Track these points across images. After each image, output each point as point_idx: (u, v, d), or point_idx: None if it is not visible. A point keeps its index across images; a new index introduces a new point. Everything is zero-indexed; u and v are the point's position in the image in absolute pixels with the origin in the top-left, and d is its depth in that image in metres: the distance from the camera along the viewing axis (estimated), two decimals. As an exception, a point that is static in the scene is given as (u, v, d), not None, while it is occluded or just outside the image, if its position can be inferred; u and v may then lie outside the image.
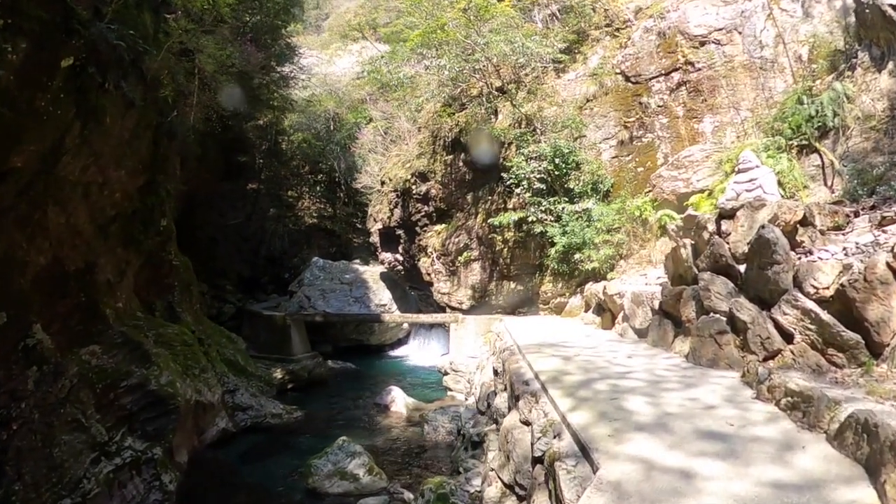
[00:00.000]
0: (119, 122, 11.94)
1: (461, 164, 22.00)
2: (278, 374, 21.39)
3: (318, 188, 33.10)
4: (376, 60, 24.70)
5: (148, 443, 11.77)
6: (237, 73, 23.99)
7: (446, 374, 20.05)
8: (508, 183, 18.25)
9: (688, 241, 10.34)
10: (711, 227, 9.67)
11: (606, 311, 14.03)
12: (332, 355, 26.53)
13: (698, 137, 17.15)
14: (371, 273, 28.76)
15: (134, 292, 16.30)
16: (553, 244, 17.13)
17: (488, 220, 19.36)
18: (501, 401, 10.74)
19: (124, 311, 14.43)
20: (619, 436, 5.33)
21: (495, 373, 13.16)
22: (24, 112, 8.57)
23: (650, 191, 17.01)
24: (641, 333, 11.68)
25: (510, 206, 19.53)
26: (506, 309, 20.82)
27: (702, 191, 15.58)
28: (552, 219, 17.61)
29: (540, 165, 17.47)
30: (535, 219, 17.64)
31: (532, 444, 6.80)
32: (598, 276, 16.90)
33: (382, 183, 26.03)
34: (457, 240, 22.12)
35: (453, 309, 22.40)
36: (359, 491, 11.66)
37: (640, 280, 14.62)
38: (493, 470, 8.48)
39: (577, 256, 16.71)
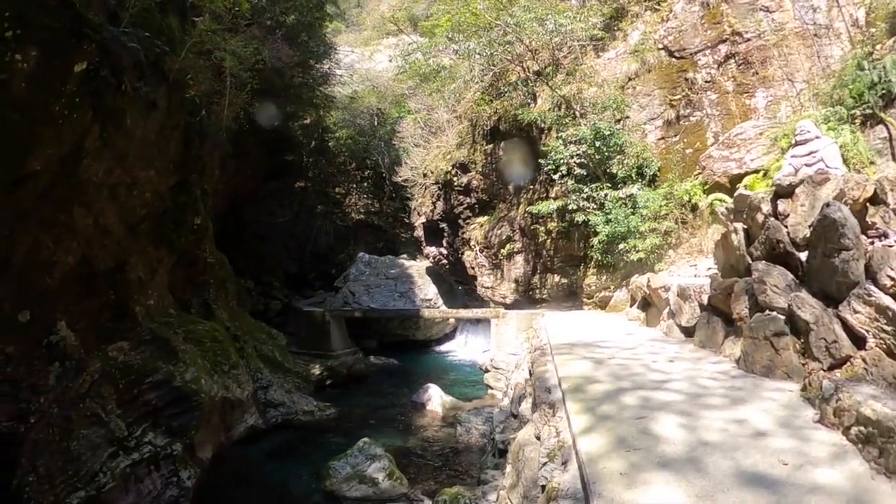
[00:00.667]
0: (141, 124, 11.88)
1: (501, 152, 20.69)
2: (316, 370, 20.67)
3: (364, 184, 32.37)
4: (410, 50, 23.59)
5: (169, 438, 11.57)
6: (274, 72, 23.39)
7: (487, 371, 18.85)
8: (546, 169, 16.85)
9: (740, 226, 8.81)
10: (766, 207, 8.14)
11: (651, 307, 12.52)
12: (377, 351, 25.70)
13: (750, 113, 15.38)
14: (417, 268, 27.77)
15: (169, 290, 16.21)
16: (596, 234, 15.64)
17: (530, 210, 17.95)
18: (526, 406, 9.49)
19: (155, 309, 14.36)
20: (635, 475, 4.04)
21: (530, 373, 11.88)
22: (39, 118, 8.68)
23: (700, 173, 15.32)
24: (688, 332, 10.18)
25: (552, 194, 18.11)
26: (550, 304, 19.43)
27: (756, 171, 13.89)
28: (595, 207, 16.13)
29: (579, 149, 15.99)
30: (575, 207, 16.20)
31: (539, 467, 5.56)
32: (644, 267, 15.34)
33: (424, 175, 24.96)
34: (499, 232, 20.84)
35: (496, 304, 21.15)
36: (377, 496, 10.82)
37: (690, 271, 13.04)
38: (504, 488, 7.25)
39: (621, 247, 15.19)
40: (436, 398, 17.16)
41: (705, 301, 9.66)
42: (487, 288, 21.59)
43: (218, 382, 13.94)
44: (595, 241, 15.71)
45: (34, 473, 9.13)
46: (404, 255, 29.39)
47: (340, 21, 36.38)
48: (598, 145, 15.86)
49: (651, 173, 16.12)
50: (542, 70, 18.46)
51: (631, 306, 14.56)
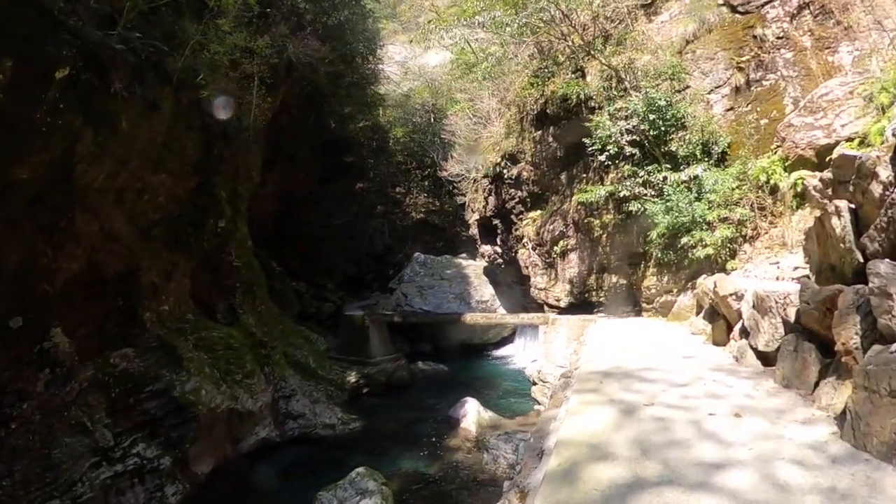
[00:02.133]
0: (143, 126, 11.33)
1: (550, 139, 17.61)
2: (352, 377, 18.50)
3: (425, 182, 29.94)
4: (454, 40, 20.92)
5: (161, 451, 10.97)
6: (310, 68, 21.38)
7: (535, 384, 15.86)
8: (591, 149, 13.67)
9: (844, 204, 5.57)
10: (887, 172, 4.87)
11: (719, 318, 9.23)
12: (430, 356, 23.18)
13: (835, 72, 11.92)
14: (474, 268, 25.02)
15: (191, 295, 15.44)
16: (655, 225, 12.37)
17: (577, 199, 14.82)
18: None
19: (170, 314, 13.66)
20: None
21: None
22: (21, 127, 8.49)
23: (778, 147, 11.81)
24: (766, 359, 6.95)
25: (607, 181, 14.92)
26: (608, 308, 16.19)
27: (850, 139, 10.31)
28: (652, 193, 12.84)
29: (630, 124, 12.73)
30: (627, 193, 12.96)
31: None
32: (714, 265, 11.97)
33: (476, 170, 22.16)
34: (552, 227, 17.75)
35: (550, 307, 18.08)
36: (357, 539, 8.34)
37: (770, 271, 9.64)
38: None
39: (684, 240, 11.87)
40: (471, 414, 14.43)
41: (791, 317, 6.44)
42: (541, 289, 18.53)
43: (225, 393, 13.04)
44: (653, 233, 12.43)
45: (9, 478, 8.77)
46: (463, 255, 26.74)
47: (394, 20, 34.11)
48: (652, 119, 12.56)
49: (719, 151, 12.67)
50: (588, 42, 15.20)
51: (696, 315, 11.25)
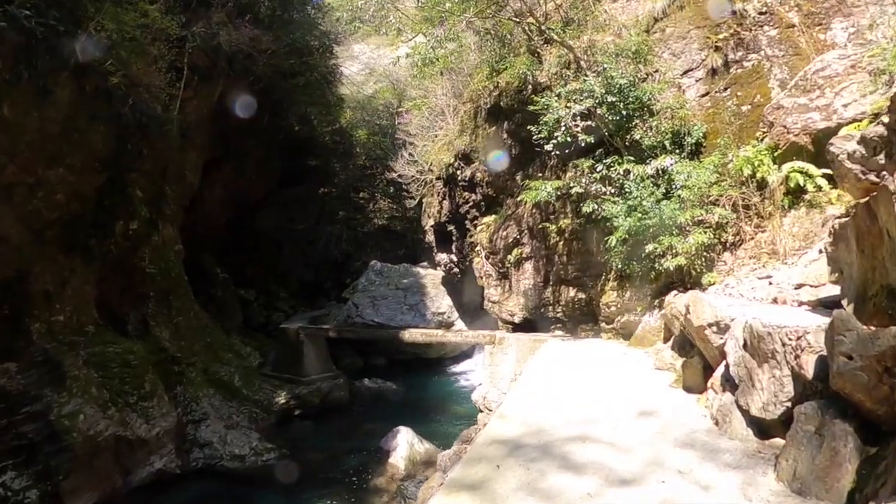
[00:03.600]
0: (32, 114, 9.81)
1: (505, 134, 14.83)
2: (282, 398, 15.48)
3: (390, 188, 27.08)
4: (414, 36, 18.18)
5: (31, 482, 9.30)
6: (249, 59, 18.66)
7: (481, 411, 12.94)
8: (536, 137, 10.89)
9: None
10: None
11: (693, 352, 6.41)
12: (386, 370, 20.31)
13: (827, 51, 9.26)
14: (432, 277, 22.11)
15: (99, 303, 13.41)
16: (615, 229, 9.59)
17: (522, 197, 12.04)
18: None
19: (65, 325, 11.81)
20: None
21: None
22: None
23: (765, 134, 9.15)
24: (765, 430, 4.15)
25: (564, 181, 12.14)
26: (566, 325, 13.41)
27: (855, 121, 7.71)
28: (612, 191, 10.05)
29: (584, 105, 9.94)
30: (581, 189, 10.20)
31: None
32: (686, 279, 9.21)
33: (429, 170, 19.34)
34: (505, 233, 14.93)
35: (504, 322, 15.23)
36: None
37: (762, 288, 6.87)
38: None
39: (650, 248, 9.09)
40: (402, 448, 11.65)
41: (810, 370, 3.65)
42: (494, 303, 15.67)
43: (112, 417, 11.06)
44: (612, 239, 9.61)
45: None
46: (424, 263, 23.83)
47: (368, 25, 31.38)
48: (611, 102, 9.78)
49: (693, 141, 9.94)
50: (543, 25, 12.42)
51: (665, 342, 8.47)
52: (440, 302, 21.07)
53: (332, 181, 28.62)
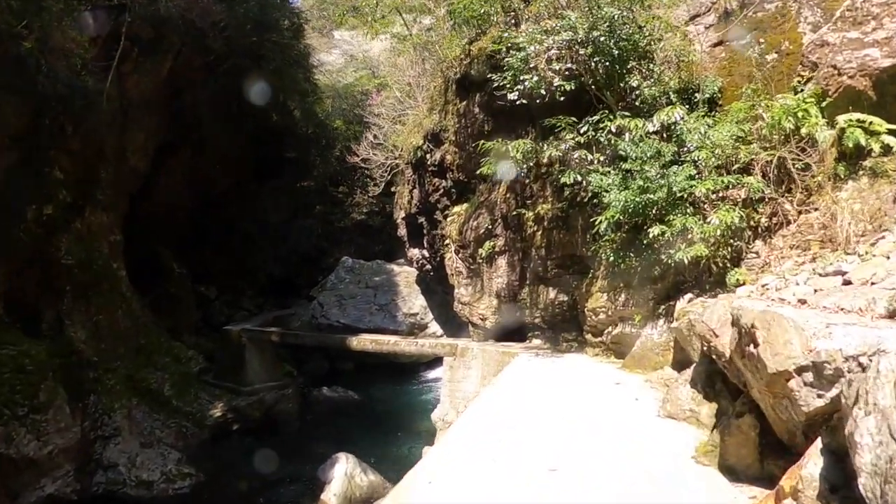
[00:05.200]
0: None
1: (476, 108, 11.81)
2: (218, 411, 12.50)
3: (368, 181, 24.09)
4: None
5: None
6: (202, 35, 15.79)
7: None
8: (497, 86, 7.87)
9: None
10: None
11: (736, 407, 3.30)
12: (351, 376, 17.34)
13: None
14: (406, 275, 19.10)
15: (8, 298, 11.33)
16: (605, 208, 6.51)
17: (484, 170, 9.03)
18: None
19: None
20: None
21: None
22: None
23: (807, 78, 6.13)
24: None
25: (544, 155, 9.13)
26: (546, 333, 10.44)
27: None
28: (602, 159, 7.01)
29: (562, 40, 6.88)
30: (557, 153, 7.18)
31: None
32: (704, 277, 6.16)
33: (399, 156, 16.30)
34: (475, 223, 11.94)
35: (476, 327, 12.20)
36: None
37: (835, 292, 3.78)
38: None
39: (654, 232, 6.04)
40: (338, 480, 8.90)
41: None
42: (464, 304, 12.63)
43: None
44: (602, 221, 6.54)
45: None
46: (400, 260, 20.88)
47: (355, 16, 28.32)
48: (598, 39, 6.72)
49: (706, 97, 6.89)
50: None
51: (676, 366, 5.41)
52: (413, 302, 18.07)
53: (312, 174, 25.64)
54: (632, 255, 6.59)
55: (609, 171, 6.76)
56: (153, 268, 18.37)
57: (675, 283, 6.45)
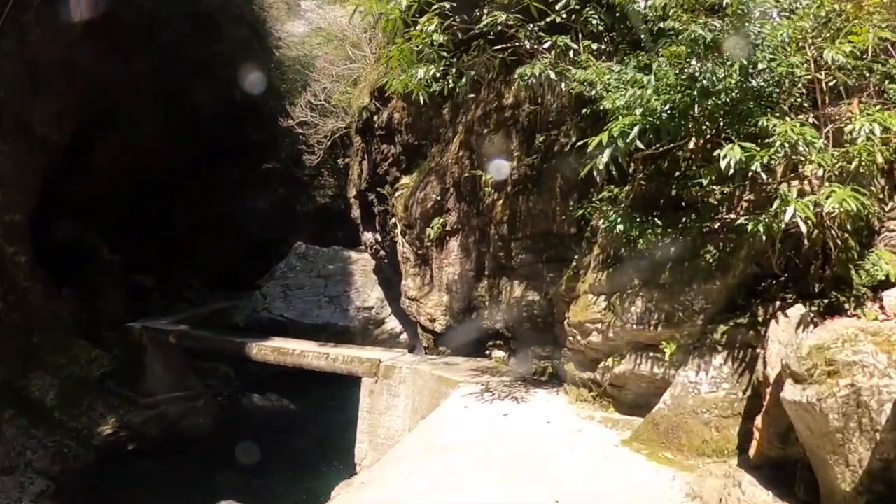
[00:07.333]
0: None
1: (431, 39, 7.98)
2: (108, 427, 8.88)
3: (337, 162, 20.40)
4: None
5: None
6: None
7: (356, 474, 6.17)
8: None
9: None
10: None
11: None
12: (296, 380, 13.61)
13: None
14: (364, 263, 15.40)
15: None
16: (614, 121, 2.73)
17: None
18: None
19: None
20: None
21: None
22: None
23: None
24: None
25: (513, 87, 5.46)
26: (510, 345, 6.85)
27: None
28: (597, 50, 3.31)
29: None
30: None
31: None
32: (815, 266, 2.43)
33: (347, 119, 12.57)
34: (423, 194, 8.33)
35: (425, 331, 8.59)
36: None
37: None
38: None
39: (730, 158, 2.30)
40: None
41: None
42: (412, 300, 9.00)
43: None
44: (600, 157, 2.83)
45: None
46: (362, 247, 17.27)
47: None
48: None
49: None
50: None
51: (758, 458, 1.72)
52: (368, 294, 14.43)
53: (279, 156, 21.83)
54: (659, 221, 2.98)
55: (612, 66, 3.11)
56: (74, 254, 14.70)
57: (747, 280, 2.86)
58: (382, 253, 13.12)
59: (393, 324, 13.99)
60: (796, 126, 2.31)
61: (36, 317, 11.58)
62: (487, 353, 7.50)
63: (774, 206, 2.33)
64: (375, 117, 10.64)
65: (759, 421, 2.43)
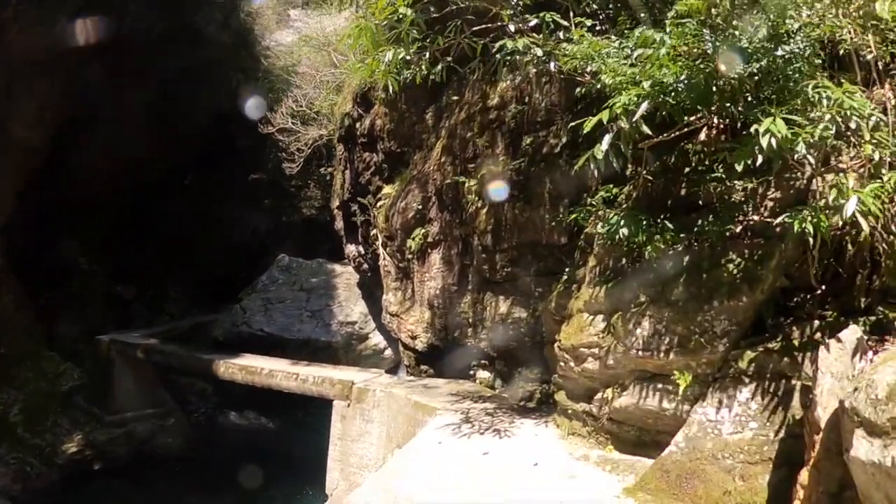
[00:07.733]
0: None
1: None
2: (73, 445, 8.13)
3: (322, 172, 19.93)
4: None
5: None
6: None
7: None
8: None
9: None
10: None
11: None
12: (279, 397, 12.87)
13: None
14: (348, 277, 14.74)
15: None
16: (604, 99, 2.16)
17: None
18: None
19: None
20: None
21: None
22: None
23: None
24: None
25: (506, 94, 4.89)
26: (495, 365, 6.23)
27: None
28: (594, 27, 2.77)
29: None
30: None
31: None
32: (862, 276, 1.84)
33: (330, 126, 12.06)
34: (404, 204, 7.74)
35: (406, 348, 7.96)
36: None
37: None
38: None
39: (771, 134, 1.74)
40: None
41: None
42: (393, 315, 8.39)
43: None
44: (598, 147, 2.27)
45: None
46: (346, 259, 16.67)
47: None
48: None
49: None
50: None
51: None
52: (352, 308, 13.75)
53: (266, 166, 21.27)
54: (670, 224, 2.41)
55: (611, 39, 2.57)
56: (52, 262, 13.98)
57: (776, 295, 2.29)
58: (365, 266, 12.55)
59: (377, 339, 13.31)
60: (851, 94, 1.80)
61: (5, 328, 10.85)
62: (472, 373, 6.89)
63: (830, 197, 1.79)
64: (358, 124, 10.13)
65: (803, 476, 1.85)
